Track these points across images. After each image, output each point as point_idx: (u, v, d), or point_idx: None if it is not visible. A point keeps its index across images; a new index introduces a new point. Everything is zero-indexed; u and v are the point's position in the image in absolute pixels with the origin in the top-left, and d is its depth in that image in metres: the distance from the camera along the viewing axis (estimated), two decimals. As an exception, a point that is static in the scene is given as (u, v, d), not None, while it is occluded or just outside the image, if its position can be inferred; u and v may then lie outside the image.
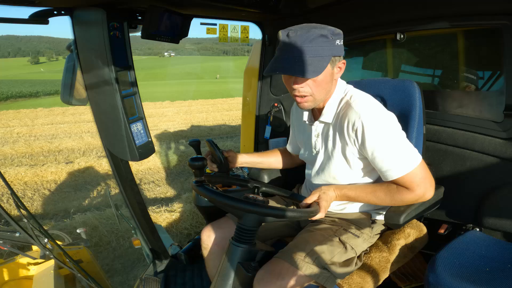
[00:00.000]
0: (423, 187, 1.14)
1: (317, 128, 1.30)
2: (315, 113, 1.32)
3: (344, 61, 1.17)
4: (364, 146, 1.13)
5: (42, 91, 27.12)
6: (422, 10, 1.59)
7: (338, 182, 1.29)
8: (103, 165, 5.55)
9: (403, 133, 1.17)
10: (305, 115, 1.34)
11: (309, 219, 1.10)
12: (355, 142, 1.16)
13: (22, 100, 23.24)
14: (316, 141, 1.32)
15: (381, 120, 1.12)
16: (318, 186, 1.36)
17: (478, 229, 1.50)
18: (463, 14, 1.49)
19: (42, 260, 1.68)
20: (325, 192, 1.16)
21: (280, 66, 1.08)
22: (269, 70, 1.10)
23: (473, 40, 1.71)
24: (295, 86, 1.12)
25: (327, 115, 1.23)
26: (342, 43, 1.13)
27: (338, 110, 1.22)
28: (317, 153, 1.32)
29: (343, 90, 1.25)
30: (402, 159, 1.11)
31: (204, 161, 1.24)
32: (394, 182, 1.16)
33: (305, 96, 1.14)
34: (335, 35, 1.09)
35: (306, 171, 1.45)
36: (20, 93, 26.29)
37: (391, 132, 1.13)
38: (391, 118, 1.16)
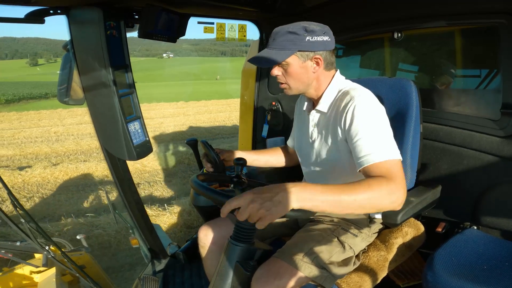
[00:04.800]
0: (400, 182, 0.98)
1: (314, 117, 1.33)
2: (314, 103, 1.36)
3: (319, 56, 1.19)
4: (350, 128, 1.10)
5: (50, 93, 27.44)
6: (419, 9, 1.60)
7: (334, 171, 1.30)
8: (164, 159, 5.99)
9: (390, 129, 1.12)
10: (305, 105, 1.39)
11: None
12: (344, 124, 1.14)
13: (33, 102, 23.36)
14: (313, 130, 1.34)
15: (372, 107, 1.13)
16: (315, 179, 1.38)
17: (475, 227, 1.50)
18: (460, 13, 1.49)
19: (45, 268, 1.68)
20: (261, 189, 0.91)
21: (254, 56, 1.22)
22: (248, 60, 1.30)
23: (470, 39, 1.71)
24: (271, 73, 1.26)
25: (323, 105, 1.28)
26: (317, 39, 1.17)
27: (336, 100, 1.25)
28: (313, 142, 1.34)
29: (342, 84, 1.28)
30: (385, 146, 1.05)
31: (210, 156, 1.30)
32: (371, 173, 1.04)
33: (282, 83, 1.27)
34: (308, 31, 1.15)
35: (302, 165, 1.46)
36: (30, 94, 26.60)
37: (380, 120, 1.11)
38: (382, 110, 1.15)
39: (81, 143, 7.68)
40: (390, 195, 0.95)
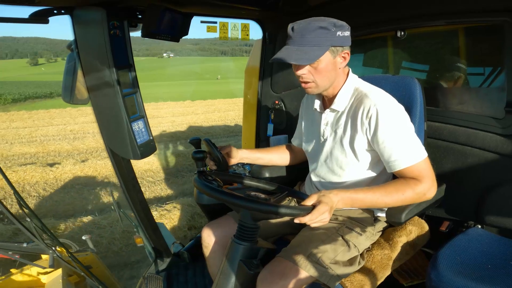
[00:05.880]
0: (431, 180, 1.14)
1: (327, 116, 1.32)
2: (326, 102, 1.35)
3: (347, 51, 1.20)
4: (376, 134, 1.15)
5: (55, 92, 27.61)
6: (422, 7, 1.59)
7: (343, 171, 1.29)
8: (185, 155, 6.21)
9: (412, 126, 1.20)
10: (316, 103, 1.37)
11: (295, 220, 1.00)
12: (367, 130, 1.18)
13: (39, 101, 23.48)
14: (325, 129, 1.33)
15: (395, 110, 1.16)
16: (323, 178, 1.38)
17: (479, 226, 1.50)
18: (464, 11, 1.49)
19: (52, 269, 1.69)
20: (324, 195, 1.05)
21: (281, 55, 1.16)
22: (272, 59, 1.19)
23: (474, 37, 1.70)
24: (298, 73, 1.20)
25: (339, 104, 1.27)
26: (346, 35, 1.17)
27: (352, 100, 1.25)
28: (325, 140, 1.33)
29: (356, 82, 1.28)
30: (412, 150, 1.14)
31: (205, 153, 1.29)
32: (401, 175, 1.16)
33: (308, 82, 1.22)
34: (337, 26, 1.14)
35: (310, 164, 1.46)
36: (35, 94, 26.83)
37: (403, 123, 1.16)
38: (403, 110, 1.20)
39: (100, 141, 7.71)
40: (422, 196, 1.14)
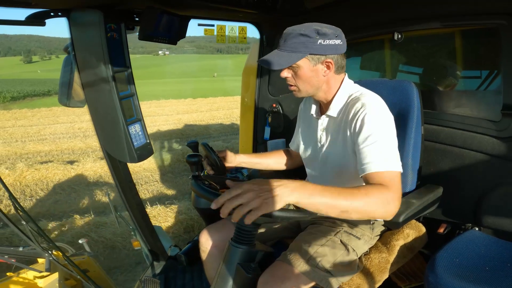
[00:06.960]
0: (398, 194, 1.02)
1: (323, 122, 1.32)
2: (322, 108, 1.35)
3: (331, 60, 1.18)
4: (359, 133, 1.12)
5: (53, 90, 27.42)
6: (419, 10, 1.60)
7: (340, 177, 1.30)
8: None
9: (396, 138, 1.15)
10: (313, 109, 1.37)
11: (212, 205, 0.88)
12: (354, 130, 1.15)
13: (38, 99, 23.27)
14: (322, 135, 1.33)
15: (382, 115, 1.14)
16: (320, 183, 1.36)
17: (477, 229, 1.50)
18: (460, 14, 1.49)
19: (48, 273, 1.68)
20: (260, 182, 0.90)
21: (264, 57, 1.19)
22: (258, 60, 1.24)
23: (470, 40, 1.71)
24: (281, 75, 1.23)
25: (333, 110, 1.26)
26: (330, 43, 1.15)
27: (346, 105, 1.24)
28: (322, 146, 1.33)
29: (351, 88, 1.28)
30: (388, 158, 1.08)
31: (199, 157, 1.29)
32: (371, 181, 1.07)
33: (291, 86, 1.25)
34: (320, 34, 1.13)
35: (307, 168, 1.46)
36: (33, 91, 26.72)
37: (387, 130, 1.13)
38: (391, 119, 1.17)
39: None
40: (386, 204, 0.97)
